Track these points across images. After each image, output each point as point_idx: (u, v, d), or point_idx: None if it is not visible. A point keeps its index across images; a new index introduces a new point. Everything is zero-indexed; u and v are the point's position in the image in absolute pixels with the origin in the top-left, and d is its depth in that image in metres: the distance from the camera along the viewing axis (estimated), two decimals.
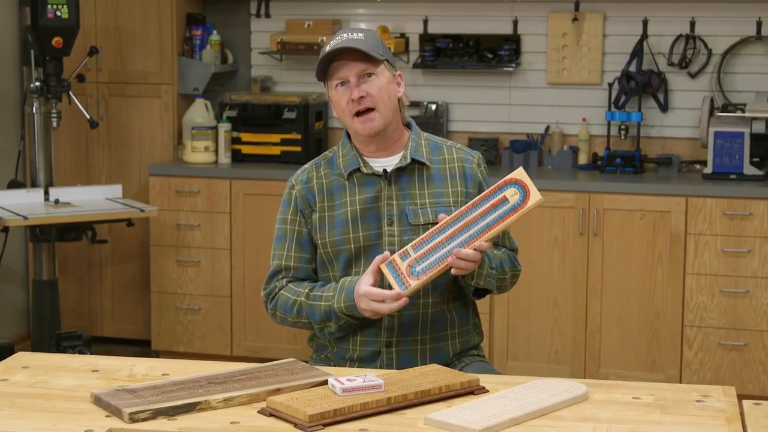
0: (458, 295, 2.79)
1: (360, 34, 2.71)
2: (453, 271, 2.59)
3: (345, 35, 2.71)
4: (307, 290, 2.74)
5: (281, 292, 2.77)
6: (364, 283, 2.61)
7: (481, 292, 2.77)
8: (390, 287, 2.60)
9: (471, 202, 2.63)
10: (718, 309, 4.72)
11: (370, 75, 2.70)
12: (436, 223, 2.67)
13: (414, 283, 2.58)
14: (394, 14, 5.49)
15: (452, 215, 2.62)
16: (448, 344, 2.78)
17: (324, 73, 2.73)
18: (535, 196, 2.57)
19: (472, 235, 2.58)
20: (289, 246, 2.79)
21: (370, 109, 2.70)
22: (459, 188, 2.78)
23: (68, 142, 5.54)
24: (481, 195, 2.62)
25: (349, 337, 2.75)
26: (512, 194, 2.58)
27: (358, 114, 2.71)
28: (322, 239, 2.77)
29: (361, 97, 2.69)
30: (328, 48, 2.70)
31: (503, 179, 2.61)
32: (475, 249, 2.56)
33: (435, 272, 2.58)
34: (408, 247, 2.62)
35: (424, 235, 2.62)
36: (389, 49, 2.87)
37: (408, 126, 2.85)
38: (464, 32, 5.40)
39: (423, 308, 2.72)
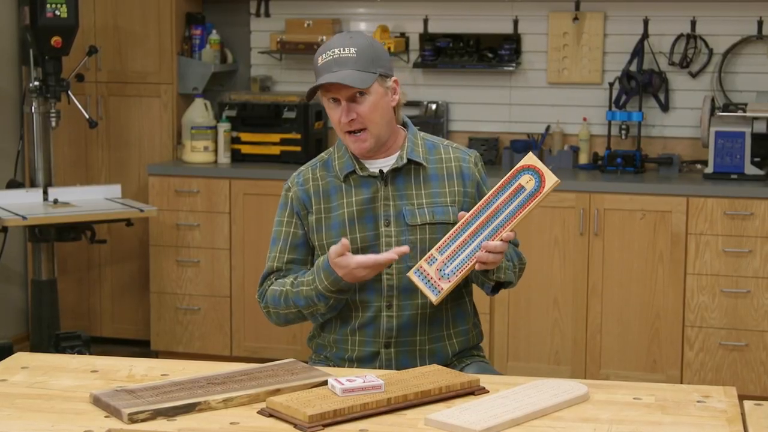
0: (457, 295, 2.78)
1: (352, 50, 2.65)
2: (479, 266, 2.56)
3: (336, 51, 2.64)
4: (291, 279, 2.74)
5: (270, 287, 2.77)
6: (331, 250, 2.60)
7: (497, 288, 2.74)
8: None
9: (487, 195, 2.60)
10: (719, 309, 4.71)
11: (362, 94, 2.66)
12: (434, 223, 2.67)
13: (446, 286, 2.56)
14: (394, 14, 5.48)
15: (471, 211, 2.60)
16: (447, 344, 2.77)
17: (314, 92, 2.70)
18: (550, 179, 2.57)
19: (495, 227, 2.56)
20: (282, 248, 2.79)
21: (361, 129, 2.68)
22: (456, 188, 2.77)
23: (67, 141, 5.53)
24: (496, 187, 2.59)
25: (348, 337, 2.74)
26: (527, 181, 2.57)
27: (350, 132, 2.69)
28: (320, 241, 2.76)
29: (352, 119, 2.67)
30: (320, 62, 2.65)
31: (515, 167, 2.60)
32: (501, 240, 2.55)
33: (465, 271, 2.56)
34: (433, 251, 2.59)
35: (447, 236, 2.60)
36: (386, 50, 2.83)
37: (404, 125, 2.83)
38: (464, 32, 5.39)
39: (422, 308, 2.71)
